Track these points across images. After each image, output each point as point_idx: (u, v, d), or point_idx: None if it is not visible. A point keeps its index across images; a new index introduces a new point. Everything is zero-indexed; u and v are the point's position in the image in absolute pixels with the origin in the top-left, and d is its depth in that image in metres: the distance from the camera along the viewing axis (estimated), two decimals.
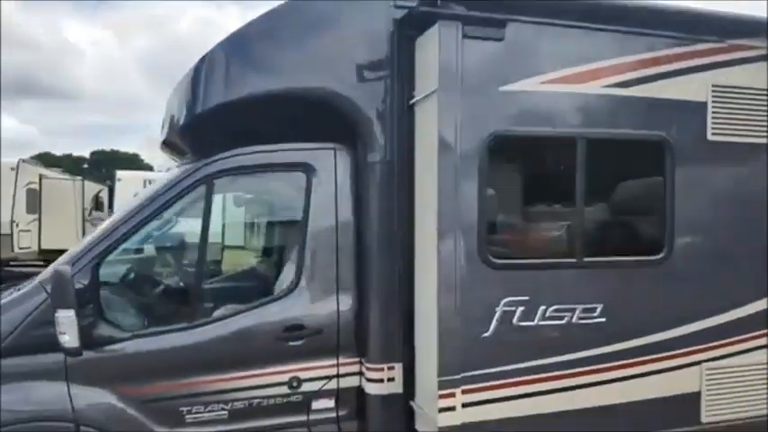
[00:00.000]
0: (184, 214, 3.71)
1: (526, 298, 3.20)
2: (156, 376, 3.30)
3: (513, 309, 3.19)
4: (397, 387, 3.49)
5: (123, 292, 3.74)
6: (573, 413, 3.29)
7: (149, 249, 3.88)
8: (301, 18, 3.40)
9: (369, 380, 3.50)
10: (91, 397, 3.20)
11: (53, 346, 3.08)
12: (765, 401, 3.58)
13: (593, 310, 3.31)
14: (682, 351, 3.48)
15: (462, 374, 3.10)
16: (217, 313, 3.53)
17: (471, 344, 3.12)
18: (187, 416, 3.34)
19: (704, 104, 3.46)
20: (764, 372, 3.60)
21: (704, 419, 3.52)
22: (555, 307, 3.25)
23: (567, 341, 3.28)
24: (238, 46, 3.42)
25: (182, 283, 3.79)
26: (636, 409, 3.41)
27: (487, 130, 3.12)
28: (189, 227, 3.81)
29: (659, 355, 3.44)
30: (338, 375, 3.56)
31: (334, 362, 3.55)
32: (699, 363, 3.51)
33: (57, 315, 2.90)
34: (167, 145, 4.25)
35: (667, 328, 3.45)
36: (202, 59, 3.50)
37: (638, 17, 3.33)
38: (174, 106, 3.84)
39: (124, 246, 3.44)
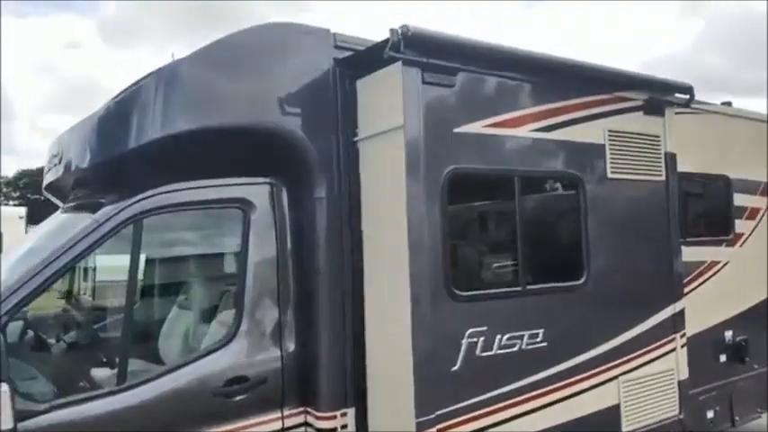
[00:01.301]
0: (106, 260, 3.25)
1: (485, 328, 3.31)
2: None
3: (476, 340, 3.28)
4: None
5: (28, 354, 3.13)
6: None
7: (54, 301, 3.28)
8: (243, 53, 3.27)
9: (319, 430, 3.31)
10: None
11: None
12: (675, 404, 4.10)
13: (537, 335, 3.54)
14: (604, 367, 3.85)
15: (437, 413, 3.08)
16: (146, 372, 3.10)
17: (443, 380, 3.13)
18: None
19: (603, 146, 3.98)
20: (670, 377, 4.13)
21: (624, 429, 3.91)
22: (508, 335, 3.41)
23: (520, 367, 3.46)
24: (176, 79, 3.15)
25: (102, 340, 3.26)
26: (575, 425, 3.67)
27: (445, 167, 3.24)
28: (106, 273, 3.32)
29: (588, 373, 3.77)
30: (284, 429, 3.32)
31: (279, 415, 3.32)
32: (616, 377, 3.91)
33: None
34: (55, 187, 3.72)
35: (592, 347, 3.81)
36: (132, 93, 3.16)
37: (553, 70, 3.75)
38: (82, 144, 3.39)
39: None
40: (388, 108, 3.19)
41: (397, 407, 3.10)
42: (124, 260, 3.10)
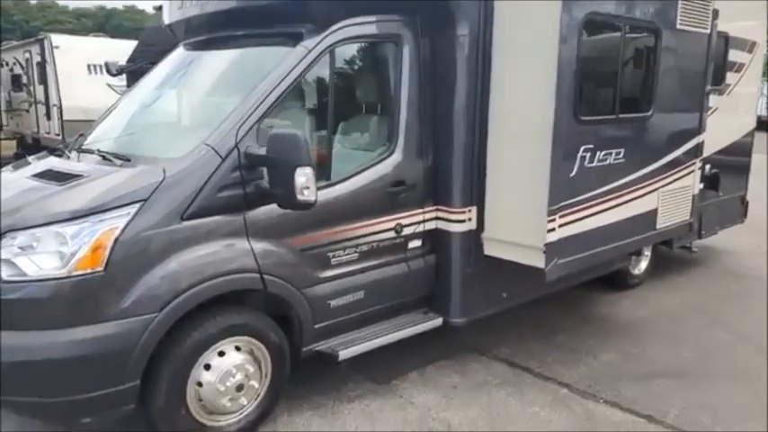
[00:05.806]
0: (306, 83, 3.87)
1: (592, 146, 4.26)
2: (310, 228, 3.73)
3: (586, 154, 4.24)
4: (472, 225, 4.39)
5: None
6: (614, 224, 4.60)
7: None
8: None
9: (453, 221, 4.35)
10: (268, 250, 3.53)
11: (232, 208, 3.38)
12: (689, 211, 5.37)
13: (620, 153, 4.54)
14: (651, 180, 4.96)
15: (560, 204, 4.09)
16: (345, 172, 3.96)
17: (564, 181, 4.10)
18: (332, 259, 3.88)
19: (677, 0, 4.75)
20: (688, 192, 5.34)
21: (657, 226, 5.16)
22: (604, 151, 4.39)
23: (608, 175, 4.48)
24: None
25: (327, 146, 3.95)
26: (637, 220, 4.85)
27: (584, 11, 3.94)
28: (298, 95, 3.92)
29: (643, 184, 4.86)
30: (424, 221, 4.36)
31: (421, 210, 4.33)
32: (657, 189, 5.06)
33: (297, 173, 3.08)
34: (197, 23, 4.37)
35: (647, 164, 4.87)
36: None
37: None
38: None
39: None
40: None
41: (531, 201, 4.06)
42: None
